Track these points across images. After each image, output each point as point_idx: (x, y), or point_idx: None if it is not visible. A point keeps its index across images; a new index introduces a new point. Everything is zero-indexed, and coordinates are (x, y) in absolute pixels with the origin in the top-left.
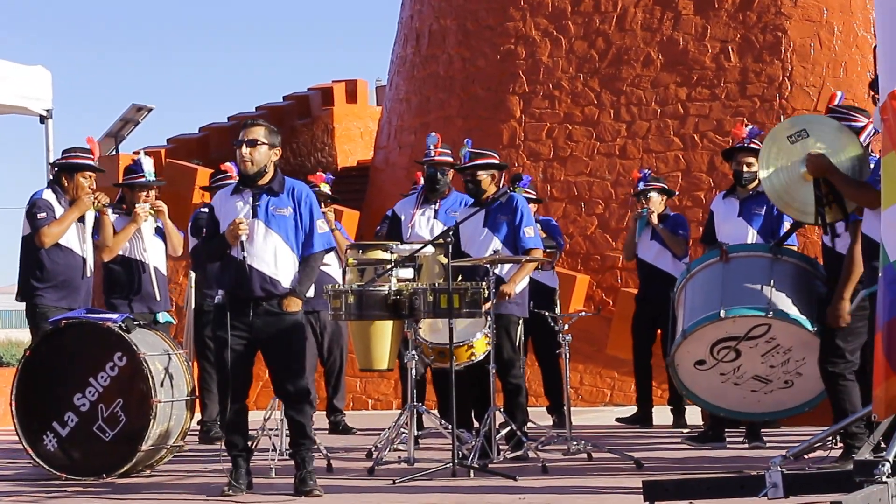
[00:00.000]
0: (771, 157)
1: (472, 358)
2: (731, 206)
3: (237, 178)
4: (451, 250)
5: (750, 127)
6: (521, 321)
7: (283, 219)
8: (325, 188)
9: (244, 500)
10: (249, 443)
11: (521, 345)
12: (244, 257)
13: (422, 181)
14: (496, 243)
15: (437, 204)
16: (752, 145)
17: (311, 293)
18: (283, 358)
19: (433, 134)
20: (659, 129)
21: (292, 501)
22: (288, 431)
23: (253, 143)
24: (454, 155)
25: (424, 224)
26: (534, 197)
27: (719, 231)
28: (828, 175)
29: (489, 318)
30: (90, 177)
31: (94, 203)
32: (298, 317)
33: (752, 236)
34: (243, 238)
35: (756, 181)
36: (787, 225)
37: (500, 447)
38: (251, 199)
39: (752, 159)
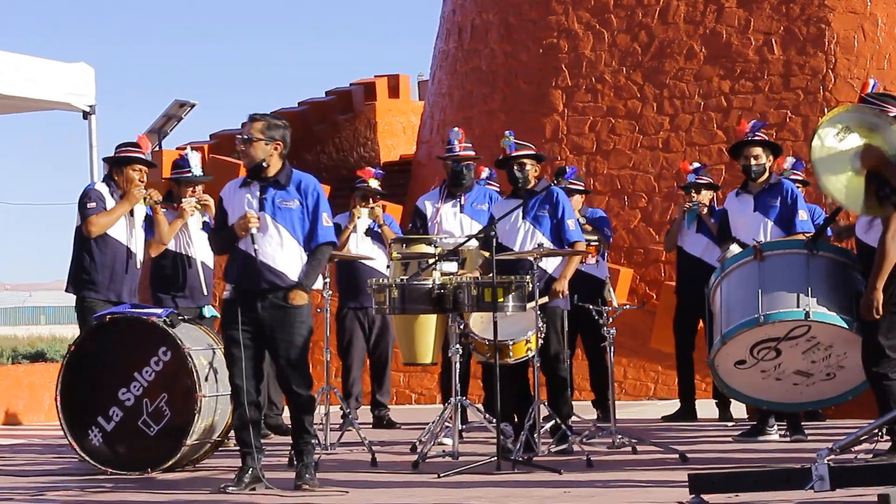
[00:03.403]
0: (824, 160)
1: (529, 353)
2: (745, 202)
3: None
4: (494, 244)
5: (753, 122)
6: (565, 313)
7: (290, 211)
8: (374, 183)
9: (273, 497)
10: (262, 439)
11: (566, 338)
12: (255, 250)
13: (483, 174)
14: (539, 237)
15: (463, 198)
16: (758, 137)
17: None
18: (287, 351)
19: (456, 129)
20: (702, 122)
21: (313, 496)
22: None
23: (248, 141)
24: (495, 148)
25: (451, 218)
26: (581, 188)
27: (735, 228)
28: (882, 168)
29: (539, 313)
30: (141, 170)
31: (145, 199)
32: (304, 310)
33: (768, 229)
34: (253, 231)
35: (765, 174)
36: (803, 214)
37: (543, 441)
38: (258, 192)
39: (758, 151)
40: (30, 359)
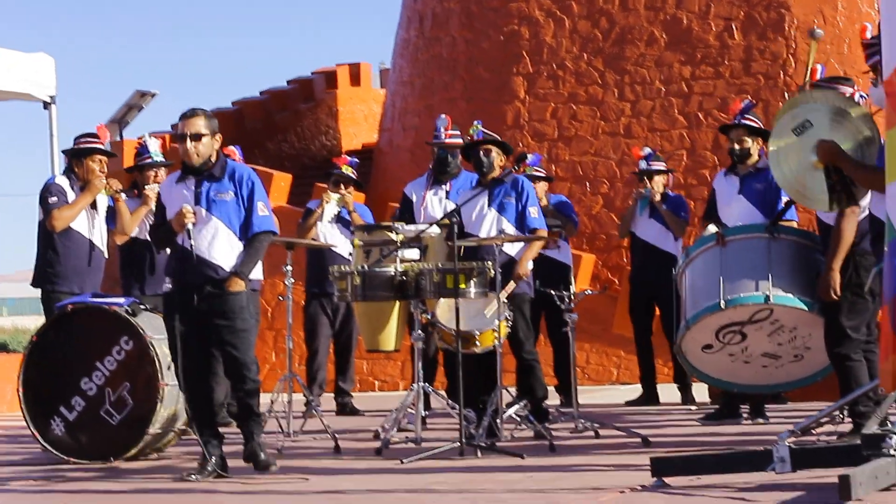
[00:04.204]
0: (780, 153)
1: (496, 342)
2: (731, 183)
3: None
4: (455, 230)
5: (745, 102)
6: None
7: (224, 203)
8: (348, 171)
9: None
10: (224, 428)
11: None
12: (192, 245)
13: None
14: (504, 224)
15: (448, 185)
16: (745, 121)
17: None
18: (228, 337)
19: (443, 116)
20: (663, 107)
21: (276, 483)
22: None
23: (197, 137)
24: (464, 136)
25: (437, 205)
26: (543, 175)
27: (721, 208)
28: (838, 161)
29: (505, 302)
30: (101, 160)
31: (105, 188)
32: (242, 297)
33: (753, 212)
34: (189, 226)
35: (750, 157)
36: (785, 200)
37: (506, 426)
38: (194, 186)
39: (742, 134)
40: None
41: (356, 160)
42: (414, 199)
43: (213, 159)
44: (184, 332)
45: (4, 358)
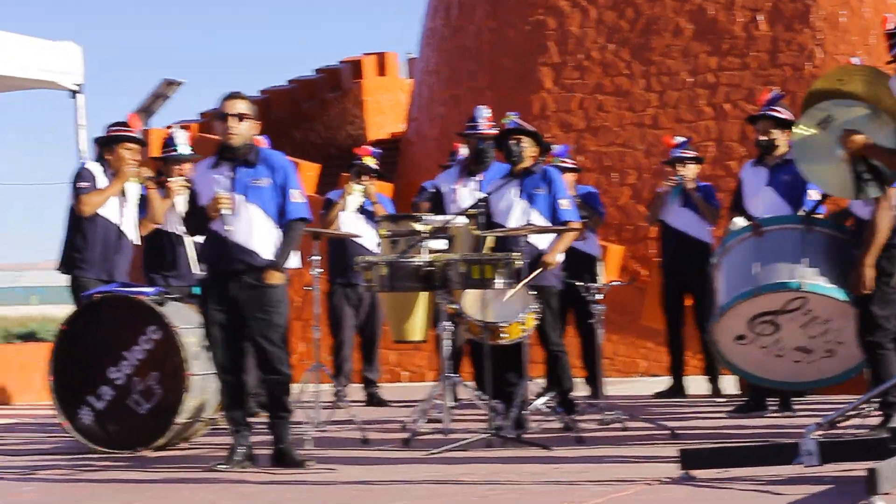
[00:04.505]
0: (806, 149)
1: (524, 334)
2: (759, 174)
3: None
4: (484, 221)
5: (773, 93)
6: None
7: (260, 190)
8: (370, 161)
9: (266, 474)
10: (252, 418)
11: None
12: (229, 231)
13: (461, 152)
14: (534, 215)
15: (481, 176)
16: (772, 112)
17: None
18: (265, 330)
19: (484, 106)
20: (690, 98)
21: (304, 474)
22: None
23: (240, 117)
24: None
25: (468, 197)
26: (571, 166)
27: (748, 199)
28: (867, 151)
29: (534, 294)
30: (132, 149)
31: (137, 176)
32: (280, 289)
33: (780, 204)
34: (225, 212)
35: (777, 149)
36: (813, 193)
37: (533, 418)
38: (229, 172)
39: (771, 127)
40: (21, 338)
41: (379, 150)
42: (445, 191)
43: (250, 145)
44: (220, 319)
45: (34, 346)
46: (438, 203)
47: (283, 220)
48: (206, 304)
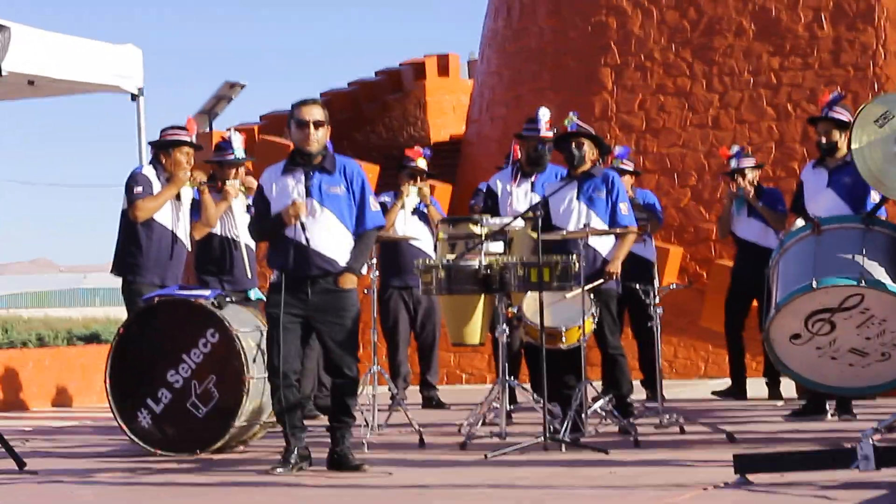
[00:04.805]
0: (862, 140)
1: (582, 338)
2: (820, 175)
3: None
4: (541, 224)
5: (833, 94)
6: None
7: (337, 197)
8: (422, 163)
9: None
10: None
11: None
12: (307, 238)
13: (519, 154)
14: (593, 218)
15: (534, 177)
16: (833, 114)
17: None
18: (338, 334)
19: (545, 109)
20: (752, 99)
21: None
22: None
23: (319, 124)
24: (556, 126)
25: (522, 198)
26: (631, 169)
27: (808, 201)
28: None
29: (592, 298)
30: (187, 153)
31: (190, 180)
32: (354, 294)
33: (841, 206)
34: (303, 218)
35: (839, 150)
36: (874, 195)
37: (590, 421)
38: (303, 178)
39: (828, 127)
40: (85, 340)
41: (429, 152)
42: (500, 192)
43: (324, 152)
44: (286, 322)
45: (94, 348)
46: (493, 203)
47: (359, 227)
48: (271, 305)
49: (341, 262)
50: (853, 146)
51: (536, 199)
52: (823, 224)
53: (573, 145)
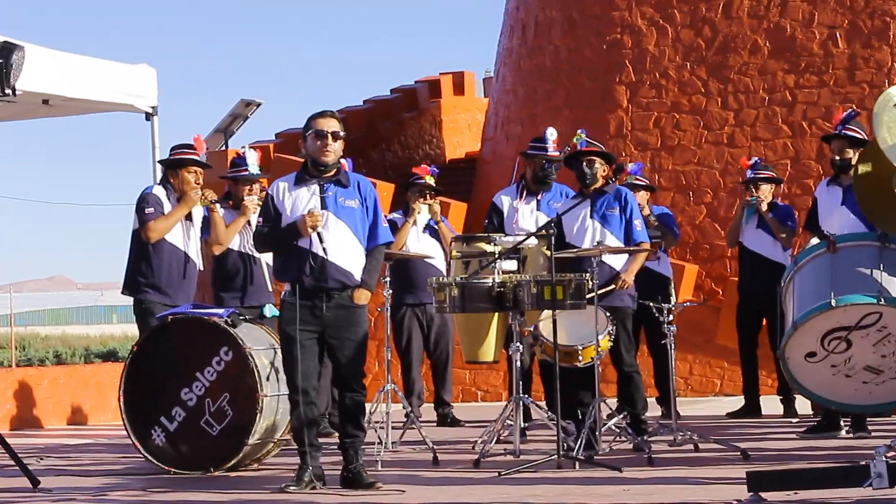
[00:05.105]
0: (891, 128)
1: (599, 356)
2: (834, 193)
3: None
4: (553, 242)
5: (847, 112)
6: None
7: (352, 210)
8: (430, 180)
9: (336, 496)
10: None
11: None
12: (325, 249)
13: (526, 171)
14: (608, 236)
15: (540, 195)
16: (847, 132)
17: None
18: (350, 350)
19: (552, 129)
20: (767, 116)
21: (373, 495)
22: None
23: (338, 136)
24: (567, 144)
25: (528, 215)
26: (645, 184)
27: (823, 218)
28: None
29: (608, 316)
30: (196, 172)
31: (201, 199)
32: (364, 310)
33: (855, 223)
34: (320, 229)
35: (853, 167)
36: None
37: (604, 439)
38: (318, 190)
39: (843, 145)
40: (102, 357)
41: (436, 169)
42: (505, 208)
43: (338, 165)
44: (303, 338)
45: (110, 366)
46: (498, 220)
47: (370, 242)
48: (286, 322)
49: (356, 276)
50: (880, 136)
51: (542, 217)
52: (838, 241)
53: (584, 163)
